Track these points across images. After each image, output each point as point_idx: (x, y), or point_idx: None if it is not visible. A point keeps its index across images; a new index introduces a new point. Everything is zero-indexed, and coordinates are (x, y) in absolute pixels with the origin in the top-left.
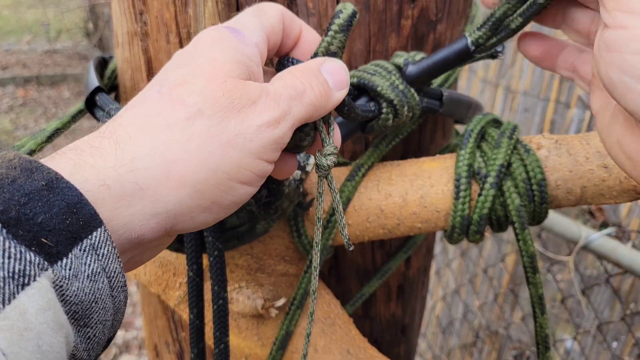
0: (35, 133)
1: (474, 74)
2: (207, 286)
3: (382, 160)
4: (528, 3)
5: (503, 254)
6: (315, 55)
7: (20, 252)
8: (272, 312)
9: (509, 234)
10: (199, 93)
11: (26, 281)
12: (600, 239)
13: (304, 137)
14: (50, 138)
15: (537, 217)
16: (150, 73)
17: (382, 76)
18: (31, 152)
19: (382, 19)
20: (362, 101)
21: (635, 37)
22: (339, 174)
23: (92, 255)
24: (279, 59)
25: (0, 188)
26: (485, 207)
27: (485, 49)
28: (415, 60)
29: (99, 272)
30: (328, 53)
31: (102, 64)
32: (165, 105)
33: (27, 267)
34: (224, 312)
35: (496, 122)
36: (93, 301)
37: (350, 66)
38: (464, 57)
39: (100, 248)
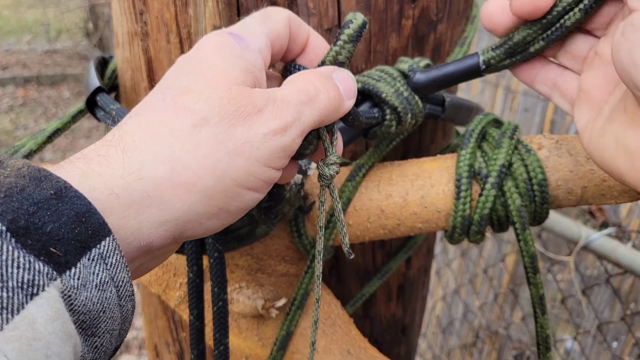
0: (35, 133)
1: None
2: (207, 287)
3: (382, 161)
4: (553, 28)
5: (503, 254)
6: (323, 63)
7: (30, 261)
8: (273, 313)
9: (509, 234)
10: (205, 101)
11: (35, 291)
12: (601, 239)
13: (307, 145)
14: (50, 138)
15: (538, 217)
16: (151, 73)
17: (387, 82)
18: (31, 152)
19: (383, 19)
20: (365, 106)
21: None
22: (340, 174)
23: (100, 264)
24: (285, 65)
25: (10, 197)
26: (486, 207)
27: (496, 69)
28: (419, 66)
29: (107, 282)
30: (336, 62)
31: (102, 64)
32: (170, 113)
33: (36, 277)
34: (224, 314)
35: (497, 122)
36: (101, 310)
37: (351, 66)
38: (473, 74)
39: (109, 257)
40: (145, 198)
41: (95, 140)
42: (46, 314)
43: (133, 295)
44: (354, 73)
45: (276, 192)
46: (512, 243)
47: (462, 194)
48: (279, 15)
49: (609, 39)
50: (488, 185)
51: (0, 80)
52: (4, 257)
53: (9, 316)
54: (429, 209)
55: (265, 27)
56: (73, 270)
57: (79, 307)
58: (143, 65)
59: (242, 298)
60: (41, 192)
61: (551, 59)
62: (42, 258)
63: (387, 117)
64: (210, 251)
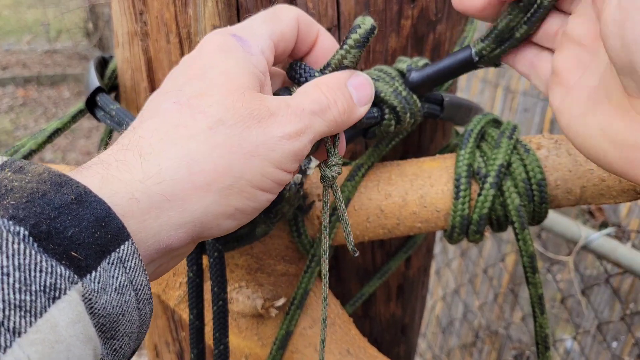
0: (35, 133)
1: (474, 74)
2: (207, 286)
3: (382, 160)
4: (532, 10)
5: (503, 254)
6: (328, 65)
7: (52, 265)
8: (272, 312)
9: (508, 234)
10: (219, 104)
11: (57, 294)
12: (600, 239)
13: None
14: (50, 138)
15: (536, 217)
16: (151, 73)
17: (385, 82)
18: (31, 152)
19: (382, 19)
20: None
21: None
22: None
23: (119, 268)
24: (290, 64)
25: (32, 202)
26: (485, 207)
27: (489, 59)
28: (418, 65)
29: (127, 285)
30: (341, 66)
31: (102, 64)
32: (185, 115)
33: (58, 281)
34: (224, 313)
35: (496, 122)
36: (120, 314)
37: None
38: (468, 67)
39: (128, 261)
40: (164, 201)
41: (95, 140)
42: (68, 317)
43: (151, 298)
44: None
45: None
46: (512, 243)
47: (461, 193)
48: (287, 15)
49: (579, 17)
50: (487, 185)
51: (0, 80)
52: (27, 261)
53: (32, 319)
54: (428, 209)
55: (269, 27)
56: (93, 274)
57: (99, 310)
58: (143, 65)
59: (241, 297)
60: (62, 197)
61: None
62: (64, 262)
63: (386, 116)
64: (210, 251)
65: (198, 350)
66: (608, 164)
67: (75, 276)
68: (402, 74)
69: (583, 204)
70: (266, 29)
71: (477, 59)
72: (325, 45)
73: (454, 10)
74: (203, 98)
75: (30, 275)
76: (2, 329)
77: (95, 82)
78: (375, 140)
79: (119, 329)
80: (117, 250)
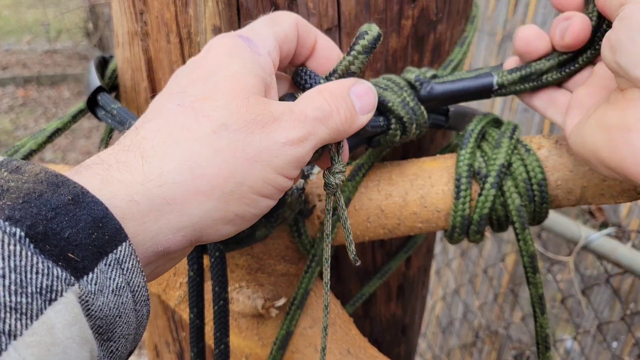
0: (36, 133)
1: None
2: (207, 286)
3: (382, 160)
4: (571, 65)
5: (503, 254)
6: (335, 72)
7: (48, 267)
8: (273, 312)
9: (509, 234)
10: (223, 108)
11: (53, 296)
12: (600, 239)
13: (314, 153)
14: (50, 138)
15: (537, 217)
16: (151, 73)
17: (393, 92)
18: (31, 152)
19: (383, 19)
20: None
21: None
22: None
23: (117, 269)
24: (296, 69)
25: (28, 202)
26: (485, 207)
27: (506, 93)
28: (426, 77)
29: (123, 287)
30: (348, 73)
31: (102, 64)
32: (190, 118)
33: (55, 283)
34: (225, 313)
35: (496, 122)
36: (117, 315)
37: None
38: (485, 93)
39: (125, 262)
40: (164, 204)
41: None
42: (64, 319)
43: (148, 299)
44: None
45: None
46: (512, 243)
47: (462, 193)
48: (286, 19)
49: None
50: (487, 185)
51: (0, 80)
52: (23, 263)
53: (28, 322)
54: (429, 209)
55: (273, 30)
56: (90, 275)
57: (95, 312)
58: (143, 65)
59: (242, 297)
60: (59, 197)
61: None
62: (60, 263)
63: (392, 126)
64: (211, 251)
65: (198, 349)
66: (596, 155)
67: (72, 278)
68: (410, 84)
69: (583, 204)
70: (270, 31)
71: (496, 87)
72: (326, 47)
73: (455, 10)
74: (207, 102)
75: (26, 277)
76: None
77: (96, 81)
78: (379, 148)
79: (115, 331)
80: (115, 251)
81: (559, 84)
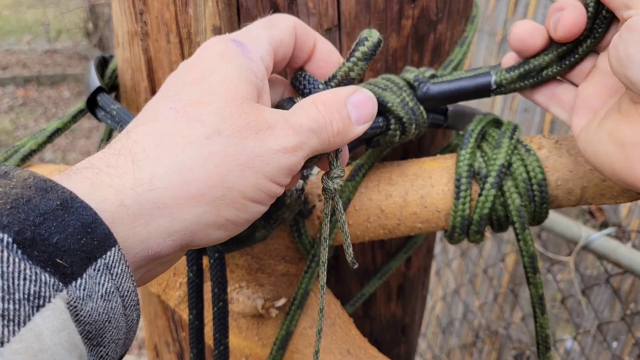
0: (36, 133)
1: None
2: (207, 287)
3: (382, 160)
4: (570, 57)
5: (503, 254)
6: (334, 77)
7: (36, 273)
8: (273, 312)
9: (509, 234)
10: (217, 113)
11: (41, 302)
12: (600, 239)
13: (312, 158)
14: (50, 138)
15: (537, 217)
16: (151, 73)
17: (393, 92)
18: (31, 152)
19: (383, 19)
20: None
21: None
22: None
23: (106, 274)
24: (295, 74)
25: (16, 208)
26: (485, 207)
27: (505, 91)
28: (425, 76)
29: (113, 292)
30: (347, 78)
31: (102, 64)
32: (182, 123)
33: (42, 289)
34: (224, 314)
35: (497, 122)
36: (106, 321)
37: None
38: (483, 92)
39: (114, 267)
40: (154, 209)
41: (95, 140)
42: (52, 325)
43: (138, 304)
44: None
45: (277, 198)
46: (512, 243)
47: (462, 193)
48: (284, 23)
49: (607, 53)
50: (487, 185)
51: (0, 80)
52: (10, 269)
53: (16, 328)
54: (429, 209)
55: (269, 34)
56: (79, 281)
57: (84, 317)
58: (143, 65)
59: (242, 298)
60: (47, 202)
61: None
62: (48, 269)
63: (392, 126)
64: (210, 252)
65: (197, 350)
66: (611, 168)
67: (60, 284)
68: (410, 84)
69: (584, 204)
70: (265, 35)
71: (494, 87)
72: (325, 50)
73: (455, 10)
74: (201, 106)
75: (13, 283)
76: None
77: (95, 81)
78: (379, 148)
79: (105, 336)
80: (104, 256)
81: (561, 76)
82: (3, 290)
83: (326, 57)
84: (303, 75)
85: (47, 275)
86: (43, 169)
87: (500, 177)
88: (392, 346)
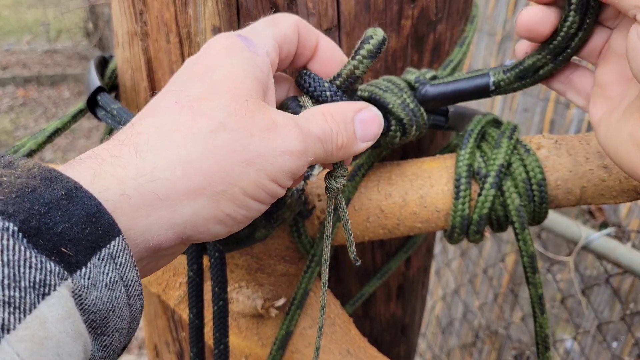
0: (36, 133)
1: None
2: (207, 286)
3: (382, 160)
4: (563, 53)
5: (503, 254)
6: (339, 76)
7: (41, 261)
8: (272, 312)
9: (508, 234)
10: (222, 109)
11: (47, 291)
12: (600, 239)
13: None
14: (50, 138)
15: (537, 217)
16: (150, 73)
17: (393, 93)
18: (31, 152)
19: (382, 19)
20: None
21: None
22: None
23: (110, 264)
24: (300, 72)
25: (21, 197)
26: (485, 207)
27: (504, 91)
28: (426, 78)
29: (117, 281)
30: (352, 76)
31: (102, 64)
32: (187, 116)
33: (48, 277)
34: (224, 313)
35: (496, 122)
36: (110, 310)
37: None
38: (482, 93)
39: (118, 257)
40: (156, 200)
41: (95, 140)
42: (57, 313)
43: (142, 294)
44: None
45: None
46: (512, 243)
47: (461, 193)
48: (287, 21)
49: (622, 32)
50: (487, 185)
51: (0, 80)
52: (16, 257)
53: (21, 316)
54: (429, 209)
55: (273, 30)
56: (83, 270)
57: (89, 306)
58: (143, 65)
59: (241, 297)
60: (52, 192)
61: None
62: (54, 258)
63: (392, 127)
64: (211, 251)
65: (197, 349)
66: (633, 169)
67: (65, 272)
68: (410, 86)
69: (583, 204)
70: (270, 32)
71: (493, 88)
72: (328, 49)
73: (454, 10)
74: (205, 101)
75: (19, 271)
76: None
77: (96, 81)
78: (379, 149)
79: (109, 325)
80: (108, 246)
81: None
82: (9, 278)
83: (329, 55)
84: (308, 73)
85: (52, 264)
86: None
87: (500, 177)
88: (391, 346)
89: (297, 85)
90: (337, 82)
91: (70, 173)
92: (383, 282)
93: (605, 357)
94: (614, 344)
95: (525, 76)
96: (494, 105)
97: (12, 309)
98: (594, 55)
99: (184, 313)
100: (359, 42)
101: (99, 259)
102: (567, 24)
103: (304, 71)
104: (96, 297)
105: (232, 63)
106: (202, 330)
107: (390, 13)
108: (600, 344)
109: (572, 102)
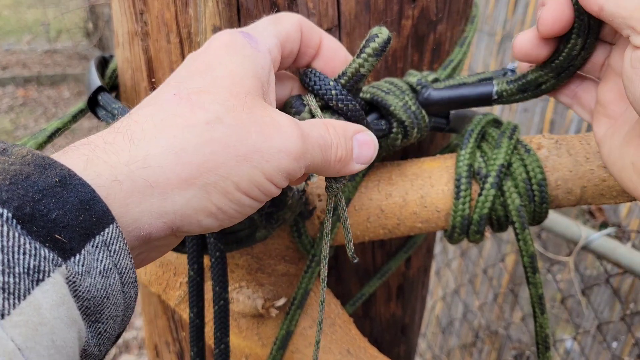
0: (36, 133)
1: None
2: (207, 286)
3: (382, 161)
4: (565, 71)
5: (503, 254)
6: (344, 74)
7: (35, 248)
8: (272, 312)
9: (508, 234)
10: (220, 103)
11: (41, 277)
12: (600, 239)
13: None
14: (50, 138)
15: (537, 217)
16: (151, 73)
17: (395, 95)
18: None
19: (383, 19)
20: (372, 117)
21: None
22: None
23: (104, 251)
24: (304, 71)
25: (15, 184)
26: (485, 207)
27: (506, 101)
28: (427, 80)
29: (111, 268)
30: (357, 75)
31: (102, 64)
32: (184, 107)
33: (42, 263)
34: (225, 313)
35: (496, 122)
36: (105, 297)
37: None
38: (484, 101)
39: (112, 244)
40: (147, 187)
41: None
42: (51, 299)
43: (136, 281)
44: None
45: (278, 198)
46: (512, 243)
47: (462, 193)
48: (289, 19)
49: (619, 50)
50: (487, 185)
51: (0, 80)
52: (10, 244)
53: (16, 301)
54: (429, 209)
55: (275, 28)
56: (77, 256)
57: (83, 293)
58: (143, 65)
59: (242, 297)
60: (46, 179)
61: None
62: (48, 244)
63: (394, 130)
64: (212, 250)
65: (198, 349)
66: (635, 192)
67: (59, 259)
68: (412, 88)
69: (583, 204)
70: (272, 29)
71: (495, 97)
72: (331, 47)
73: (455, 10)
74: (204, 95)
75: (13, 257)
76: None
77: (96, 81)
78: (380, 151)
79: (103, 312)
80: (102, 233)
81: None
82: (3, 264)
83: (333, 53)
84: (313, 72)
85: (46, 251)
86: None
87: (500, 177)
88: (391, 346)
89: (302, 83)
90: (342, 81)
91: (64, 160)
92: (383, 282)
93: (605, 357)
94: (614, 344)
95: (527, 89)
96: (494, 105)
97: (6, 295)
98: (596, 71)
99: (184, 313)
100: (364, 40)
101: (92, 246)
102: (570, 46)
103: (309, 69)
104: (90, 284)
105: (233, 60)
106: (203, 330)
107: (390, 13)
108: (600, 344)
109: (578, 115)
